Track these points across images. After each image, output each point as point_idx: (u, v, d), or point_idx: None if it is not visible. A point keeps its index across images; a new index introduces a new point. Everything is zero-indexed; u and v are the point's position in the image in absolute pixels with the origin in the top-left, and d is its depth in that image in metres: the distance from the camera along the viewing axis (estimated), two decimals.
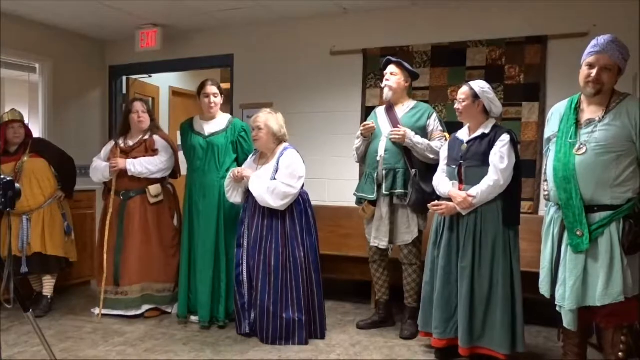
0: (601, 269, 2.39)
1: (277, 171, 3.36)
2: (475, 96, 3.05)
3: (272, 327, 3.34)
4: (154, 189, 3.92)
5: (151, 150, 3.95)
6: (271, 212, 3.35)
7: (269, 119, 3.43)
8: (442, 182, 3.14)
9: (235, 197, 3.51)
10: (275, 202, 3.29)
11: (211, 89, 3.75)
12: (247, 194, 3.47)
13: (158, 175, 3.93)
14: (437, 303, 3.05)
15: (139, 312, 3.89)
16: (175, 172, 4.15)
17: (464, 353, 2.96)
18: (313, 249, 3.46)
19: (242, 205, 3.53)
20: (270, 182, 3.32)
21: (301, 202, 3.44)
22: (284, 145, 3.51)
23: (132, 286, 3.86)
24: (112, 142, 4.07)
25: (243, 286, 3.46)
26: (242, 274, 3.46)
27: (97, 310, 3.90)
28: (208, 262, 3.66)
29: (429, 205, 3.15)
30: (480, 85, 3.08)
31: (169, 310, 4.00)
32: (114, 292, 3.87)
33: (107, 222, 3.87)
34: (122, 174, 3.87)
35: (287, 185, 3.31)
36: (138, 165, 3.84)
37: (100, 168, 3.94)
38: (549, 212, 2.65)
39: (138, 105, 3.99)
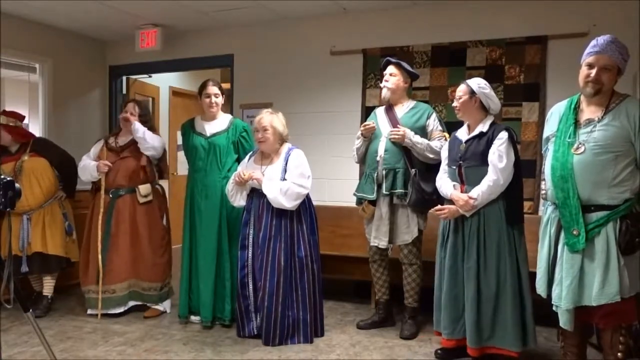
0: (597, 269, 2.39)
1: (285, 171, 3.37)
2: (472, 92, 3.06)
3: (279, 327, 3.33)
4: (143, 188, 3.92)
5: (142, 150, 3.95)
6: (280, 212, 3.34)
7: (274, 120, 3.43)
8: (444, 185, 3.14)
9: (239, 200, 3.47)
10: (289, 203, 3.30)
11: (212, 89, 3.76)
12: (251, 195, 3.46)
13: (148, 152, 3.92)
14: (445, 304, 3.06)
15: (125, 308, 3.91)
16: (162, 172, 4.15)
17: (473, 353, 2.96)
18: (316, 247, 3.49)
19: (245, 206, 3.49)
20: (283, 183, 3.31)
21: (306, 201, 3.45)
22: (288, 145, 3.51)
23: (120, 284, 3.87)
24: (102, 141, 4.08)
25: (248, 288, 3.43)
26: (247, 275, 3.43)
27: (92, 312, 3.90)
28: (210, 262, 3.66)
29: (432, 210, 3.15)
30: (476, 82, 3.09)
31: (161, 308, 4.01)
32: (101, 291, 3.86)
33: (100, 221, 3.87)
34: (112, 172, 3.89)
35: (299, 185, 3.32)
36: (142, 132, 3.84)
37: (88, 167, 3.94)
38: (546, 211, 2.66)
39: (129, 107, 4.02)
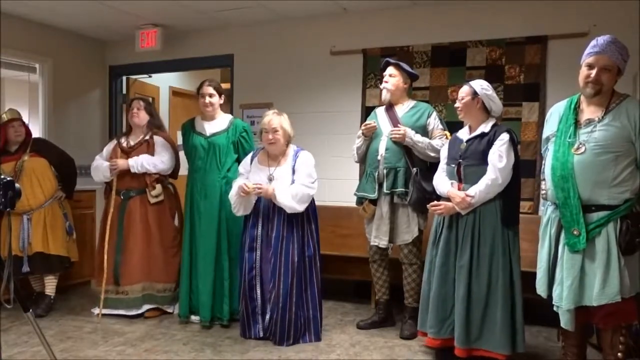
0: (598, 269, 2.39)
1: (294, 173, 3.38)
2: (474, 94, 3.06)
3: (293, 327, 3.33)
4: (154, 189, 3.92)
5: (151, 151, 3.96)
6: (290, 213, 3.35)
7: (283, 121, 3.45)
8: (441, 182, 3.14)
9: (243, 211, 3.44)
10: (301, 206, 3.32)
11: (207, 89, 3.77)
12: (257, 198, 3.45)
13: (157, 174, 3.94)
14: (433, 302, 3.04)
15: (139, 311, 3.90)
16: (175, 172, 4.16)
17: (460, 354, 2.94)
18: (319, 247, 3.51)
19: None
20: (293, 189, 3.31)
21: (312, 202, 3.47)
22: (293, 146, 3.53)
23: (133, 286, 3.86)
24: (114, 142, 4.09)
25: (255, 290, 3.42)
26: (255, 277, 3.42)
27: (97, 310, 3.91)
28: (209, 262, 3.67)
29: (428, 205, 3.15)
30: (479, 83, 3.10)
31: (170, 310, 4.01)
32: (114, 292, 3.88)
33: (108, 222, 3.88)
34: (123, 173, 3.89)
35: (307, 187, 3.35)
36: (139, 167, 3.87)
37: (101, 168, 3.95)
38: (546, 211, 2.66)
39: (134, 104, 4.05)
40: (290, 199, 3.28)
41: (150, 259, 3.90)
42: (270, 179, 3.40)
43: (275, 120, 3.43)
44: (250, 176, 3.48)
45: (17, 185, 2.26)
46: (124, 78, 5.89)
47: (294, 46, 4.95)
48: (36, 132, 4.80)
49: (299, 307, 3.35)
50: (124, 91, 5.91)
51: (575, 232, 2.42)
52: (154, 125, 4.08)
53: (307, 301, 3.40)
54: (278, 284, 3.32)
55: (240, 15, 4.83)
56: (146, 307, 3.91)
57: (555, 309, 2.56)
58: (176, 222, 4.08)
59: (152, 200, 3.91)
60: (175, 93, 6.72)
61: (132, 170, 3.86)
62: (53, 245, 3.95)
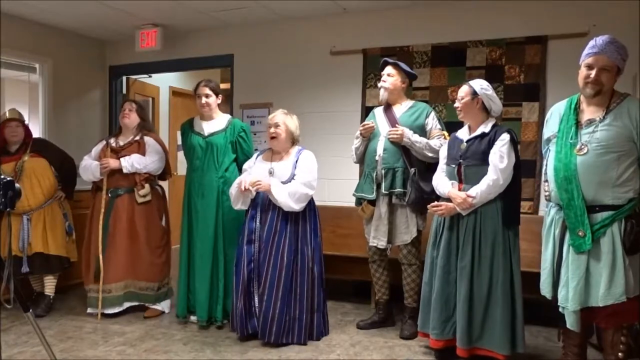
0: (604, 269, 2.39)
1: (295, 169, 3.39)
2: (474, 93, 3.06)
3: (276, 324, 3.31)
4: (142, 189, 3.93)
5: (141, 151, 3.96)
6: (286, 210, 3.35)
7: (287, 119, 3.47)
8: (441, 182, 3.14)
9: (240, 205, 3.45)
10: (297, 205, 3.32)
11: (202, 89, 3.77)
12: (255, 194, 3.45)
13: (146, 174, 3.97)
14: (435, 303, 3.04)
15: (120, 309, 3.91)
16: (165, 174, 4.18)
17: (462, 354, 2.94)
18: (319, 248, 3.49)
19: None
20: (290, 187, 3.32)
21: (311, 202, 3.46)
22: (298, 147, 3.54)
23: (117, 283, 3.87)
24: (103, 142, 4.09)
25: (253, 283, 3.40)
26: (253, 271, 3.39)
27: (91, 310, 3.91)
28: (206, 262, 3.67)
29: (428, 206, 3.15)
30: (479, 83, 3.10)
31: (158, 308, 4.01)
32: (97, 290, 3.87)
33: (100, 221, 3.87)
34: (112, 172, 3.89)
35: (306, 187, 3.35)
36: (130, 166, 3.87)
37: (90, 167, 3.94)
38: (549, 212, 2.65)
39: (126, 105, 4.08)
40: (286, 196, 3.28)
41: (135, 258, 3.90)
42: (271, 172, 3.41)
43: (279, 116, 3.47)
44: (252, 171, 3.50)
45: (17, 185, 2.26)
46: (124, 78, 5.90)
47: (294, 46, 4.95)
48: (36, 132, 4.80)
49: (284, 305, 3.32)
50: (124, 91, 5.91)
51: (580, 233, 2.42)
52: (145, 127, 4.08)
53: (295, 302, 3.35)
54: (265, 278, 3.32)
55: (240, 15, 4.83)
56: (127, 304, 3.93)
57: (560, 310, 2.56)
58: (163, 222, 4.08)
59: (140, 200, 3.91)
60: (175, 93, 6.73)
61: (124, 171, 3.86)
62: (53, 245, 3.95)
